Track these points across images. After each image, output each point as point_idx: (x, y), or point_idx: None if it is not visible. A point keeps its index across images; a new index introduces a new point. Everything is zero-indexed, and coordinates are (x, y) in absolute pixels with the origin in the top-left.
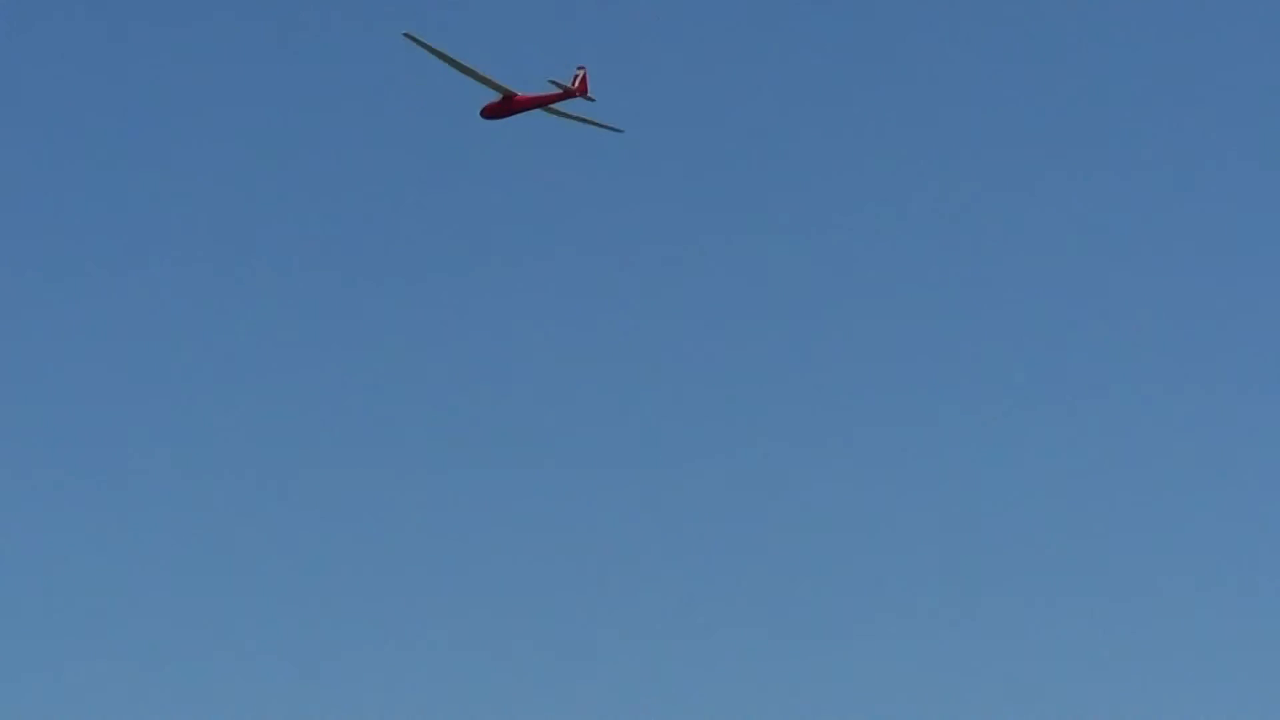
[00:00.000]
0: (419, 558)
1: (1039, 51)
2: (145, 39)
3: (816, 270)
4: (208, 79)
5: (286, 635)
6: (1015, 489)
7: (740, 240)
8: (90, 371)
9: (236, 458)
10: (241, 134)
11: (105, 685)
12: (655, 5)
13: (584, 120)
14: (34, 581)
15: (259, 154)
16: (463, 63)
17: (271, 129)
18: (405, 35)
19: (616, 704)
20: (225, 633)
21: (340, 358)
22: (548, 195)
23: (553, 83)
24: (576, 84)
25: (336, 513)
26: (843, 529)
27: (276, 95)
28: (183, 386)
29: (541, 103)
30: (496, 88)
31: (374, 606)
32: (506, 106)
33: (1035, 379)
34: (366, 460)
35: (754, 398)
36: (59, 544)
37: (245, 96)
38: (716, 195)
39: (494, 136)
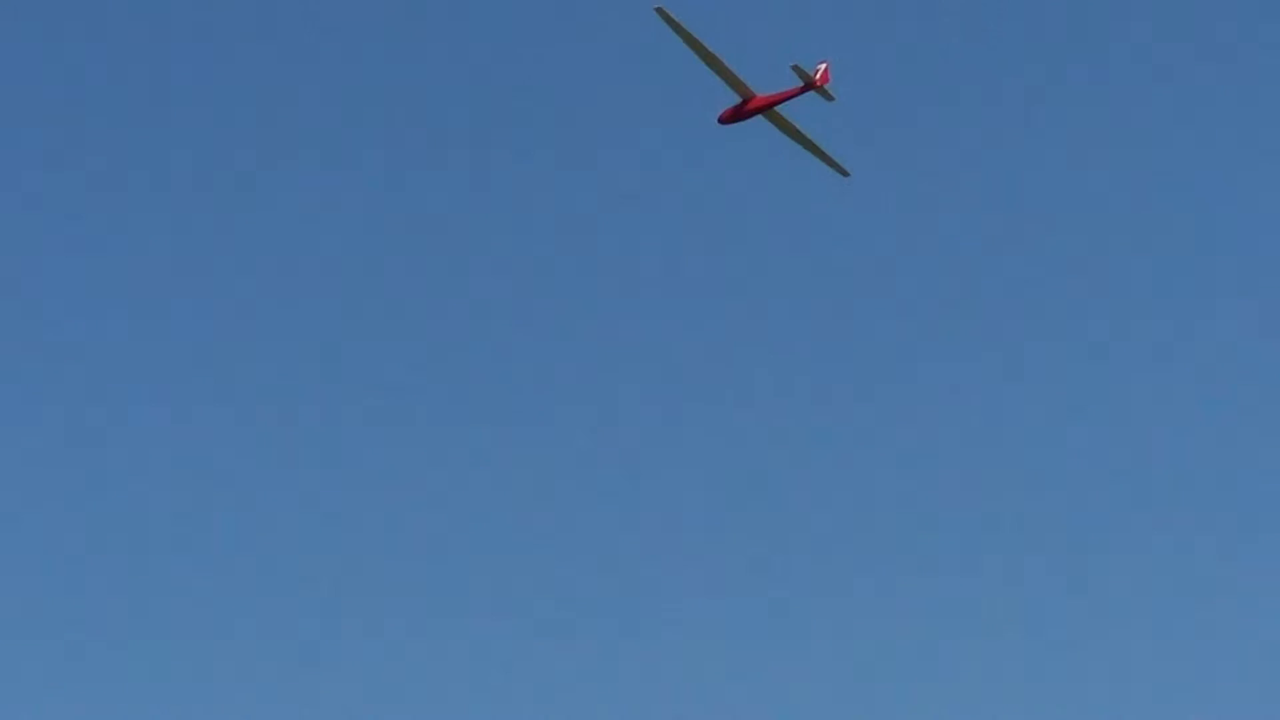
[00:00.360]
0: (420, 558)
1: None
2: None
3: None
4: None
5: (286, 635)
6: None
7: None
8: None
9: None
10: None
11: (106, 685)
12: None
13: (816, 152)
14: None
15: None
16: (712, 51)
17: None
18: (657, 10)
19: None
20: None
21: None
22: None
23: (795, 69)
24: (818, 76)
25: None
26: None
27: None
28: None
29: (777, 101)
30: (738, 85)
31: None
32: (741, 109)
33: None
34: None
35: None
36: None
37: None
38: None
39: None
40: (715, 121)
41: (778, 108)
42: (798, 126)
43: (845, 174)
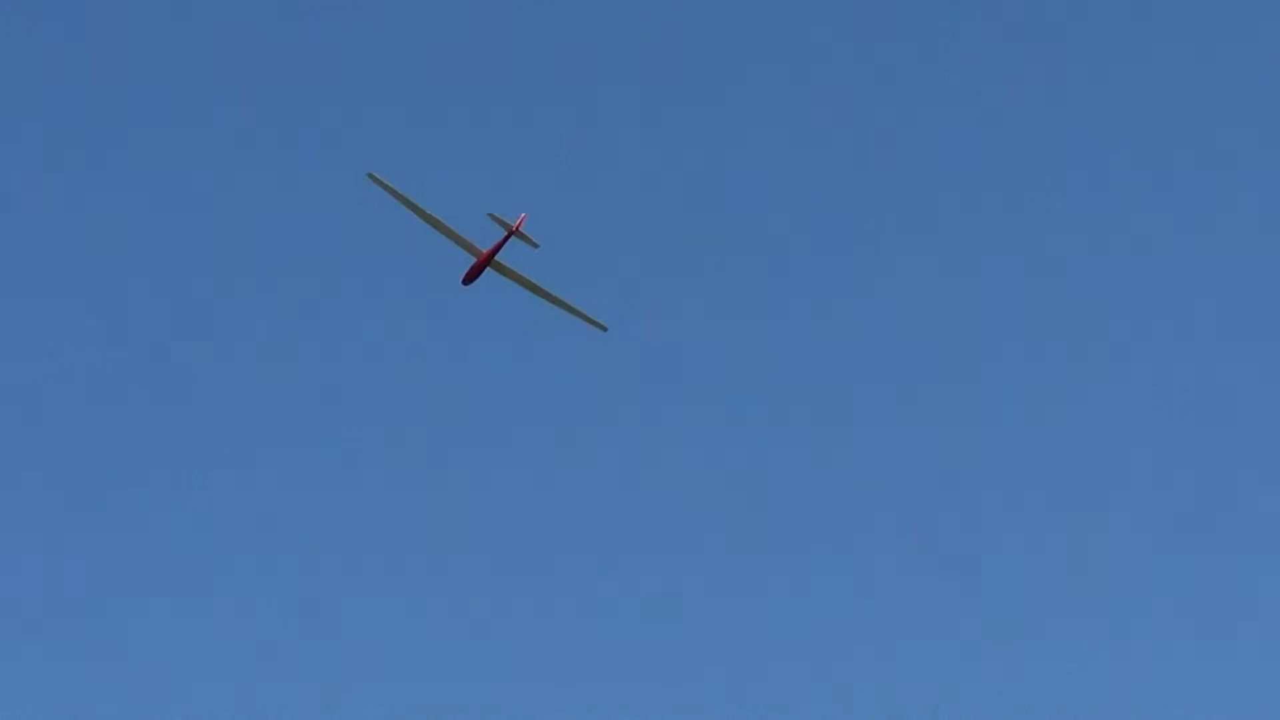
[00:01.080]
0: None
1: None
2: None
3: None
4: None
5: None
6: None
7: None
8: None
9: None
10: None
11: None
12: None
13: (571, 310)
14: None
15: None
16: (429, 211)
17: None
18: (369, 175)
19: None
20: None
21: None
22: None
23: (491, 216)
24: (516, 225)
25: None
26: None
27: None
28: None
29: (494, 253)
30: (463, 243)
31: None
32: (475, 266)
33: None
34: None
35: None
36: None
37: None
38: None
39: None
40: (459, 282)
41: (498, 258)
42: (535, 281)
43: (603, 328)
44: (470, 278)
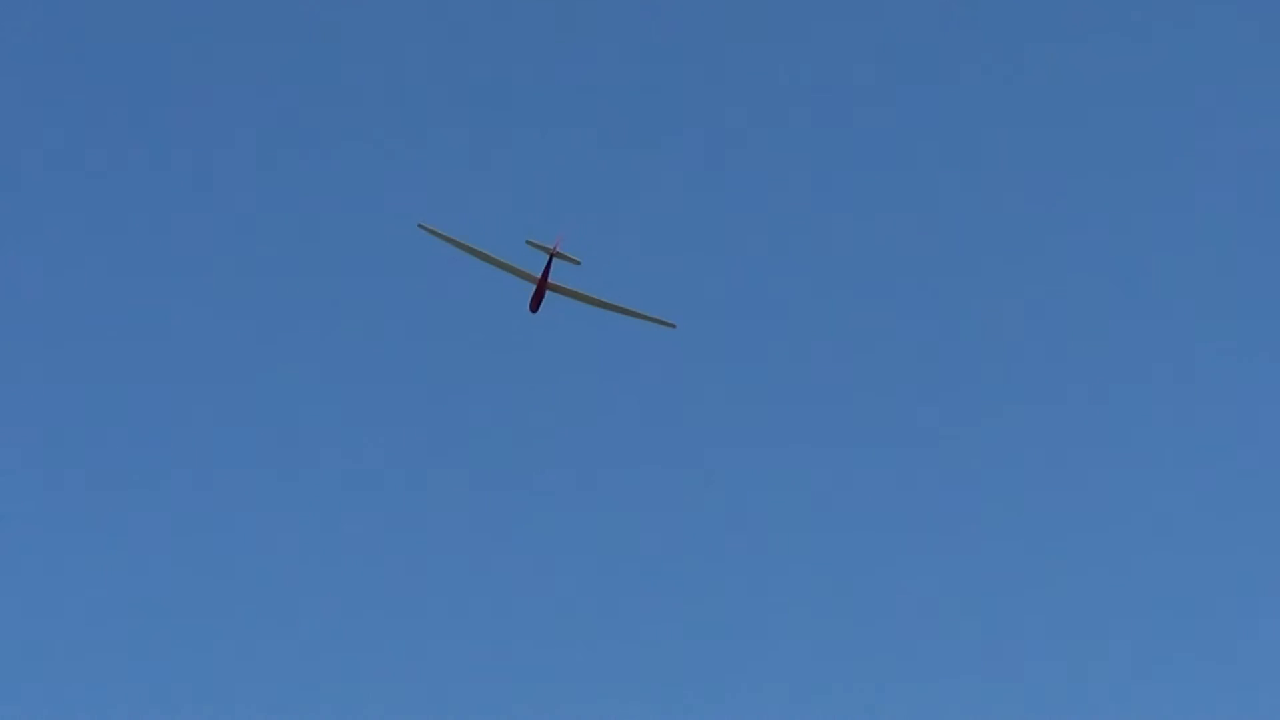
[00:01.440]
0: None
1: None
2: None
3: None
4: None
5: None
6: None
7: None
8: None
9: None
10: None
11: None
12: None
13: (634, 314)
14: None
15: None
16: (482, 250)
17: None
18: (420, 226)
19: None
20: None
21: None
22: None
23: (530, 243)
24: (555, 245)
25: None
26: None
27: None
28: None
29: (546, 276)
30: (520, 273)
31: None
32: (537, 293)
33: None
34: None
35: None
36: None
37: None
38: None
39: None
40: (528, 311)
41: (551, 279)
42: (594, 295)
43: (671, 325)
44: (536, 303)
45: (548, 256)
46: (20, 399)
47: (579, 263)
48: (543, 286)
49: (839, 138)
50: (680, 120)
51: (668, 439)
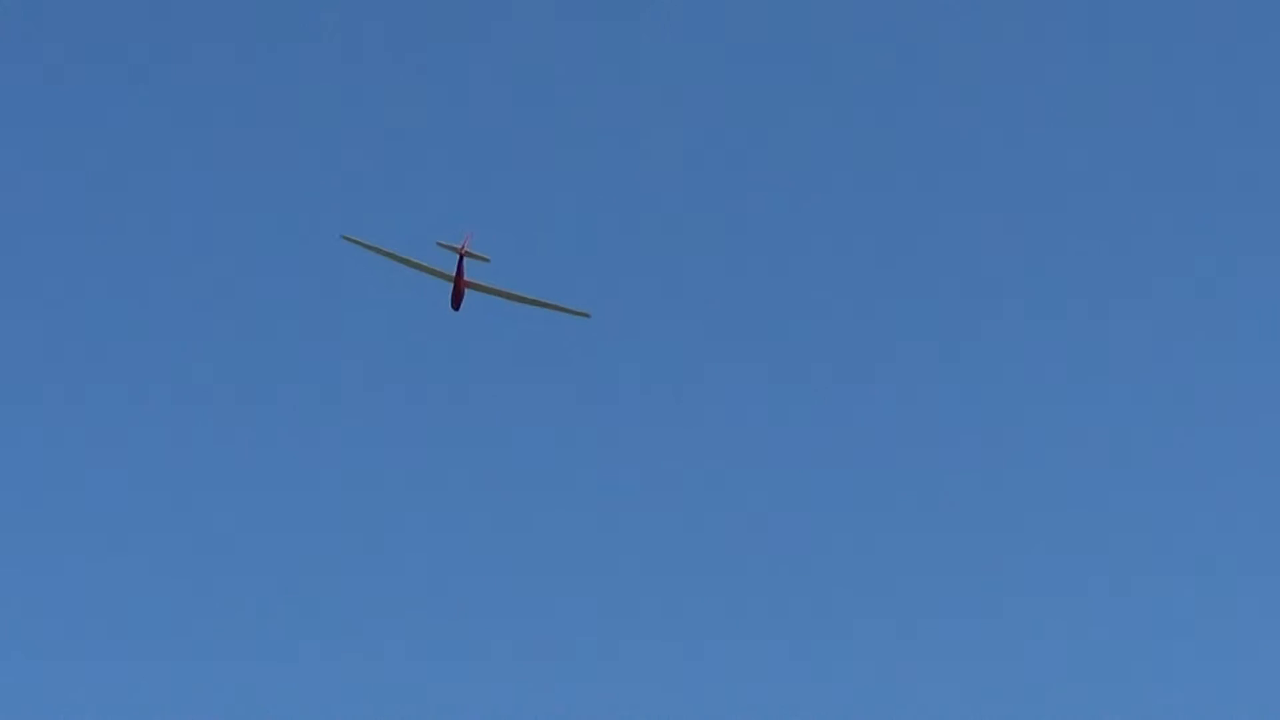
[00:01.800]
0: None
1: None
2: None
3: None
4: None
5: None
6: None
7: None
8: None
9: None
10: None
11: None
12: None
13: (549, 306)
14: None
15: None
16: (404, 255)
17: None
18: (344, 237)
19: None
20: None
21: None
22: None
23: (440, 244)
24: (463, 245)
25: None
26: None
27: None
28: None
29: (460, 274)
30: (439, 274)
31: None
32: (456, 291)
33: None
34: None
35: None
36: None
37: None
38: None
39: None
40: (450, 309)
41: (467, 277)
42: (509, 290)
43: (585, 315)
44: (456, 302)
45: (458, 256)
46: None
47: (488, 260)
48: (459, 285)
49: (742, 130)
50: (589, 122)
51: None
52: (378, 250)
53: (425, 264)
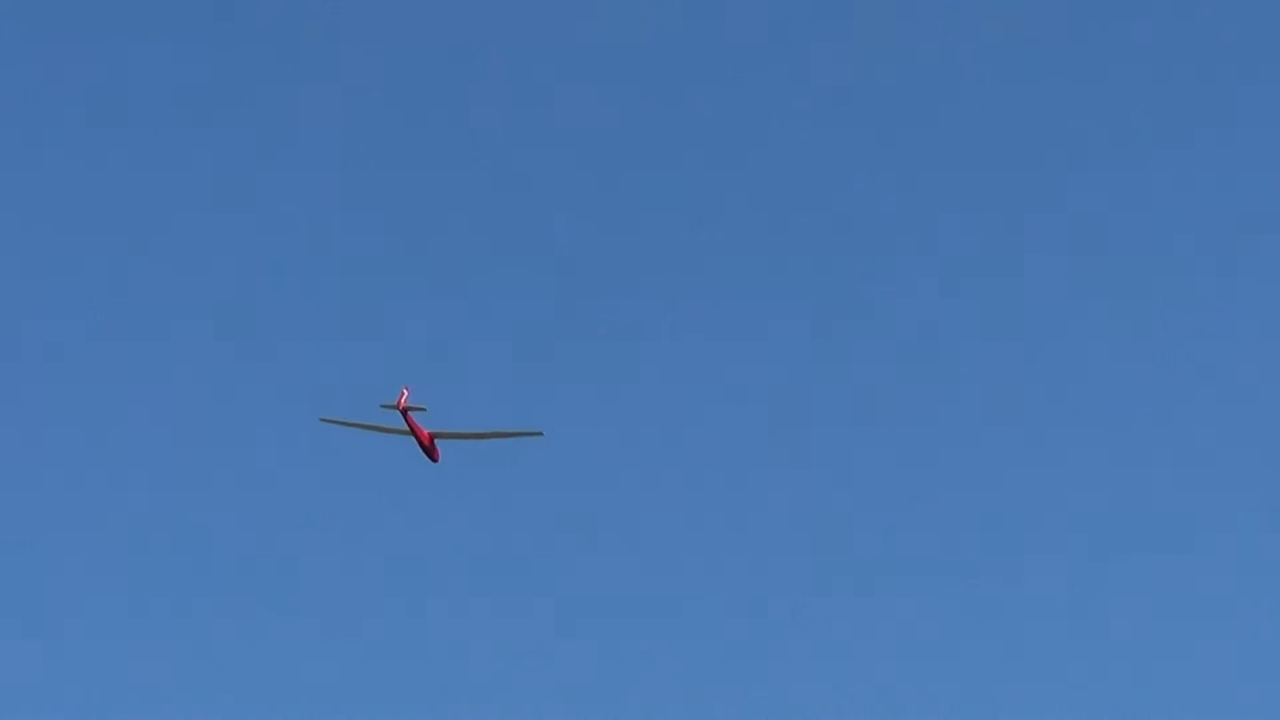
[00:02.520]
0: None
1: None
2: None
3: None
4: None
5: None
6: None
7: None
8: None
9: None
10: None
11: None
12: None
13: (505, 435)
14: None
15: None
16: (381, 425)
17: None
18: (322, 420)
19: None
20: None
21: None
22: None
23: (384, 405)
24: (400, 401)
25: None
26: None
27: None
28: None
29: (417, 429)
30: (407, 432)
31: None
32: (426, 447)
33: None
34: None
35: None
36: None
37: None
38: None
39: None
40: (431, 464)
41: (423, 430)
42: (465, 431)
43: (538, 434)
44: (430, 454)
45: (401, 413)
46: None
47: (425, 409)
48: (420, 437)
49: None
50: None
51: None
52: (354, 424)
53: (391, 427)
